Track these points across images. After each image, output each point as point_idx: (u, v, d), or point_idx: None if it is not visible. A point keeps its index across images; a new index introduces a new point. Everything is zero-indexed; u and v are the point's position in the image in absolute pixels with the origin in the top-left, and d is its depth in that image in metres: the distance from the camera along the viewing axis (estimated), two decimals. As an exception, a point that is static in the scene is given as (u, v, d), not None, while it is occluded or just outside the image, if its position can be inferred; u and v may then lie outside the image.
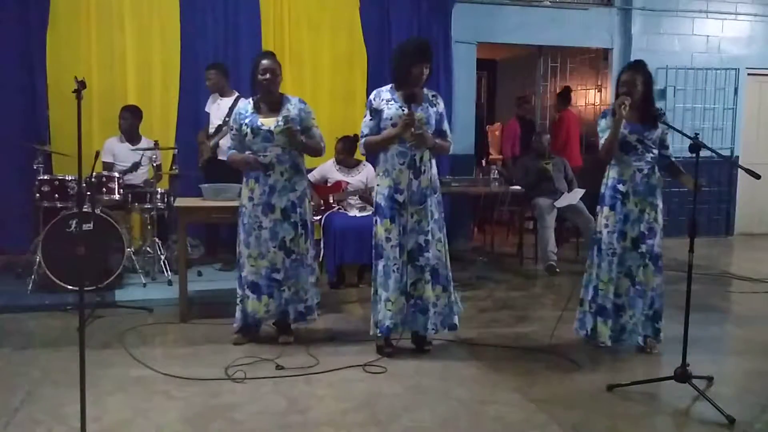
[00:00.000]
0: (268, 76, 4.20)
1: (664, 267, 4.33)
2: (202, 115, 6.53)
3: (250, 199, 4.24)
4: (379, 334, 4.12)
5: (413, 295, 4.12)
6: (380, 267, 4.09)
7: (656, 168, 4.25)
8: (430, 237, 4.10)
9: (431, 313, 4.13)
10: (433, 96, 4.19)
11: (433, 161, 4.17)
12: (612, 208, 4.25)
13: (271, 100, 4.26)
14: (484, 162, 8.39)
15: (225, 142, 5.28)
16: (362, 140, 4.17)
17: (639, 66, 4.25)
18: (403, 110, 4.00)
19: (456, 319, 4.24)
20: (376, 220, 4.13)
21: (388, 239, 4.06)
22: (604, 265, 4.26)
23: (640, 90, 4.16)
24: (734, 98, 8.85)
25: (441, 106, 4.20)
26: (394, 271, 4.06)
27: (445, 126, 4.23)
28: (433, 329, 4.16)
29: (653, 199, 4.23)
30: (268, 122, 4.20)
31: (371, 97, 4.15)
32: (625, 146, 4.19)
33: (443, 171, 7.54)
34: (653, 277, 4.25)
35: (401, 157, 4.04)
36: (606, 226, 4.27)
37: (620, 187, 4.23)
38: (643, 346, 4.30)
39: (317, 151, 4.40)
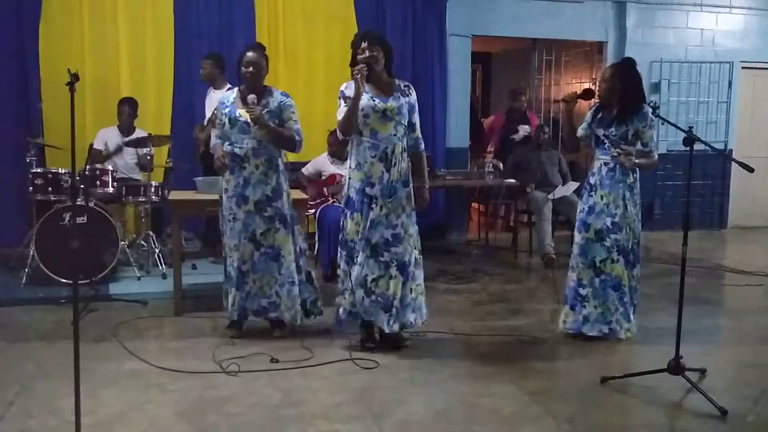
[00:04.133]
0: (251, 69, 4.18)
1: (639, 261, 4.38)
2: (197, 108, 6.51)
3: (226, 191, 4.25)
4: (339, 329, 4.17)
5: (374, 291, 4.01)
6: (345, 260, 4.07)
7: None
8: (400, 231, 4.02)
9: (393, 311, 4.03)
10: (405, 86, 4.09)
11: (405, 154, 4.07)
12: (582, 198, 4.42)
13: (254, 93, 4.19)
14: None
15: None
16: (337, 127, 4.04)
17: (618, 64, 4.42)
18: (373, 100, 3.94)
19: (412, 318, 4.09)
20: (346, 213, 4.06)
21: (357, 233, 4.01)
22: (573, 253, 4.42)
23: (610, 86, 4.28)
24: (728, 92, 8.86)
25: (413, 98, 4.10)
26: (356, 263, 4.02)
27: (415, 119, 4.13)
28: (390, 326, 4.04)
29: (619, 193, 4.26)
30: (247, 114, 4.16)
31: (342, 88, 4.02)
32: (596, 140, 4.36)
33: (438, 164, 7.57)
34: (624, 271, 4.29)
35: (373, 150, 3.97)
36: (578, 214, 4.45)
37: (590, 179, 4.39)
38: (606, 334, 4.34)
39: (291, 144, 4.28)
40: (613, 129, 4.25)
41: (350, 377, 3.74)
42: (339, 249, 4.13)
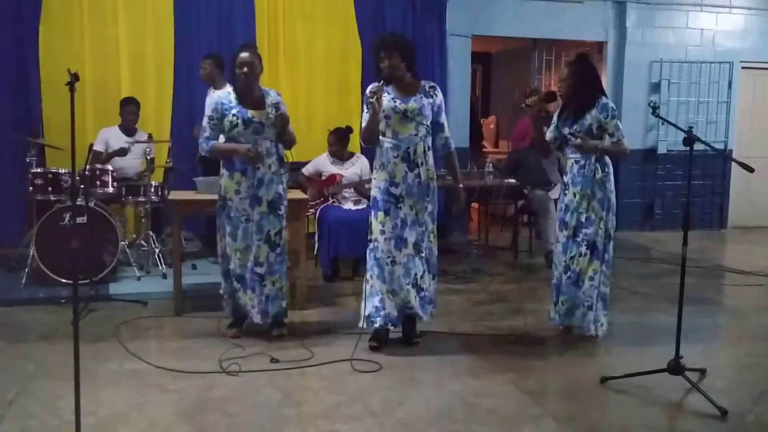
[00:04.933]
0: (245, 69, 4.18)
1: (610, 261, 4.34)
2: (197, 108, 6.50)
3: (237, 192, 4.22)
4: (379, 327, 4.11)
5: (422, 288, 4.17)
6: (373, 260, 4.10)
7: (596, 159, 4.27)
8: (425, 228, 4.15)
9: (433, 304, 4.26)
10: (430, 87, 4.17)
11: (430, 154, 4.17)
12: (560, 197, 4.48)
13: (253, 93, 4.23)
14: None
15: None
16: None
17: (571, 61, 4.45)
18: (394, 101, 4.02)
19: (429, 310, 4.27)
20: (370, 213, 4.17)
21: (382, 232, 4.06)
22: (556, 251, 4.47)
23: (568, 83, 4.33)
24: (728, 92, 8.85)
25: (439, 98, 4.18)
26: (387, 264, 4.07)
27: (442, 119, 4.22)
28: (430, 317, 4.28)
29: (591, 189, 4.28)
30: (259, 114, 4.19)
31: (368, 92, 4.09)
32: (564, 139, 4.40)
33: (438, 164, 7.53)
34: (589, 266, 4.29)
35: (395, 151, 4.04)
36: (558, 213, 4.49)
37: (565, 178, 4.43)
38: (572, 325, 4.44)
39: (293, 141, 4.42)
40: (576, 126, 4.28)
41: (350, 377, 3.74)
42: (369, 252, 4.14)
